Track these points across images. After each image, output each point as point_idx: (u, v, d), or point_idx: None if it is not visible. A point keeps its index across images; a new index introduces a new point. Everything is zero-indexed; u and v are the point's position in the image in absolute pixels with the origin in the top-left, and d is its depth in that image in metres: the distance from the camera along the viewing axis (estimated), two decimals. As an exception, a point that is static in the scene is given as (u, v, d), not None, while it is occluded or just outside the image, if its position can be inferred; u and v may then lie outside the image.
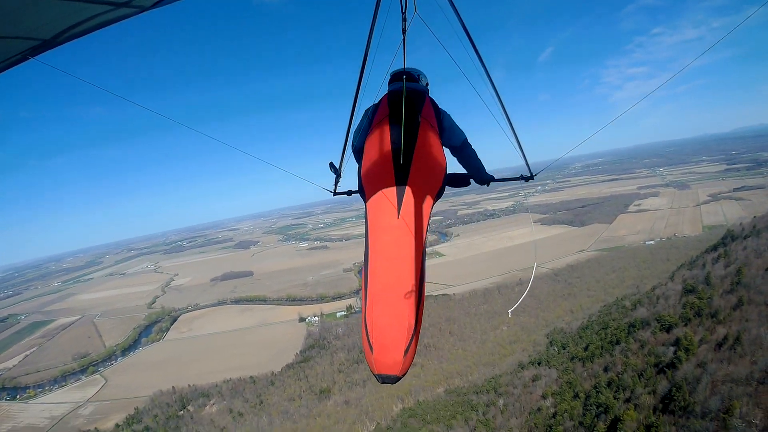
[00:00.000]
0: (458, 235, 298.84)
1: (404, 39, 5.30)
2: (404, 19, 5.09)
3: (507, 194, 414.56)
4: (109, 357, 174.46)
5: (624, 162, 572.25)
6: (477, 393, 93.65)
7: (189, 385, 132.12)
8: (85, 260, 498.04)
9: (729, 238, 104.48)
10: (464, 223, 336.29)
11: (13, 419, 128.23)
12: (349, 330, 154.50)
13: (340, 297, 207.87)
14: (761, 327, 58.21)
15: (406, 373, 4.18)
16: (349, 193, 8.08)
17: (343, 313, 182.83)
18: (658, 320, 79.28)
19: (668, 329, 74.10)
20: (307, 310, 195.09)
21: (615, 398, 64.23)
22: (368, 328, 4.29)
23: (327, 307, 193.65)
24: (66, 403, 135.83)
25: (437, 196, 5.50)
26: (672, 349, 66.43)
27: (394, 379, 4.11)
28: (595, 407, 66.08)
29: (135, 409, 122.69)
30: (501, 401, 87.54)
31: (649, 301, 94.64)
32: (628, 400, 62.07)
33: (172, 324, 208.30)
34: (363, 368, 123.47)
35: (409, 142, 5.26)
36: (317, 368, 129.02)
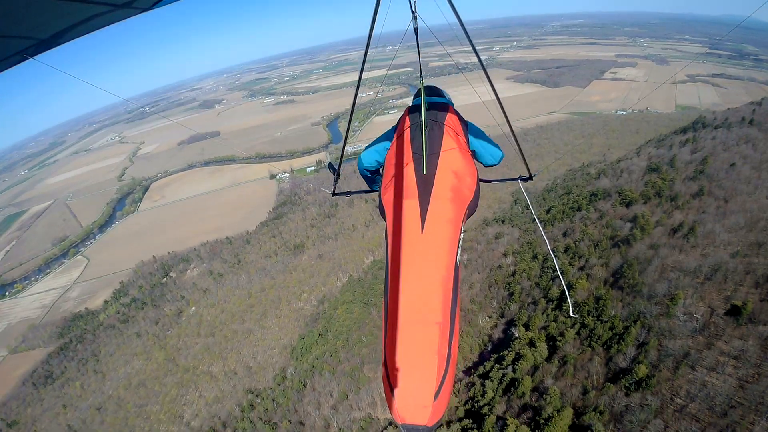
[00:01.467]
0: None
1: (417, 38, 5.44)
2: (414, 18, 5.15)
3: (480, 47, 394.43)
4: (88, 236, 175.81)
5: (605, 26, 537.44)
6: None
7: (168, 253, 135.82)
8: (47, 142, 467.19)
9: (700, 124, 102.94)
10: (435, 75, 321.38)
11: (6, 317, 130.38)
12: (319, 184, 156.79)
13: (309, 152, 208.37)
14: (716, 222, 58.50)
15: (439, 422, 3.35)
16: (348, 193, 8.23)
17: (313, 167, 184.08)
18: (619, 193, 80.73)
19: (628, 204, 75.71)
20: (277, 166, 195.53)
21: (570, 264, 67.25)
22: (388, 366, 3.52)
23: (297, 163, 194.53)
24: (54, 289, 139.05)
25: (470, 209, 4.80)
26: (629, 225, 68.48)
27: (422, 431, 3.26)
28: (551, 270, 69.63)
29: (120, 282, 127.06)
30: (465, 256, 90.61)
31: (613, 173, 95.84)
32: (582, 269, 65.21)
33: (144, 194, 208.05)
34: (335, 222, 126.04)
35: (432, 151, 4.77)
36: (290, 224, 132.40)
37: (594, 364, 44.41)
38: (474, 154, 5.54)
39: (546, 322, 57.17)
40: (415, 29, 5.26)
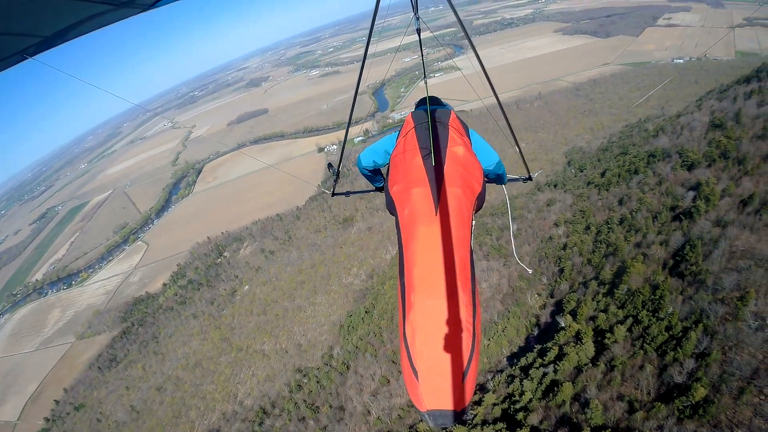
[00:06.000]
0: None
1: (420, 39, 5.55)
2: (418, 18, 5.21)
3: (526, 0, 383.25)
4: (146, 222, 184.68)
5: None
6: (492, 215, 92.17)
7: (222, 233, 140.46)
8: (105, 134, 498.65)
9: (765, 72, 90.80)
10: (480, 33, 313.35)
11: (74, 305, 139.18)
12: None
13: (356, 122, 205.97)
14: None
15: (467, 408, 3.03)
16: (347, 194, 8.95)
17: (360, 138, 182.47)
18: (680, 154, 73.25)
19: (690, 167, 68.12)
20: (324, 139, 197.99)
21: (626, 240, 61.64)
22: (410, 346, 3.24)
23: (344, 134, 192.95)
24: (116, 275, 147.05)
25: (478, 201, 4.75)
26: (691, 194, 61.00)
27: (449, 417, 2.92)
28: (604, 245, 64.38)
29: (177, 265, 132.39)
30: (514, 226, 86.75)
31: (672, 130, 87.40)
32: (638, 245, 59.21)
33: (197, 176, 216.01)
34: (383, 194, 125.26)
35: (440, 145, 4.76)
36: (339, 197, 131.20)
37: (645, 374, 38.94)
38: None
39: (595, 311, 52.15)
40: (417, 30, 5.34)
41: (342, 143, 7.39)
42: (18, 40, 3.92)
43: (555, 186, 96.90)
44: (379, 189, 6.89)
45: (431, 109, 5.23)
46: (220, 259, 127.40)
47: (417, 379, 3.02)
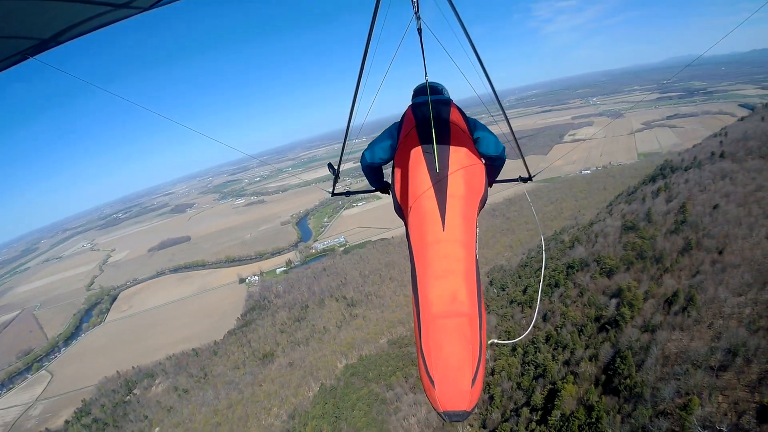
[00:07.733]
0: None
1: (421, 39, 5.32)
2: (418, 18, 5.04)
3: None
4: (53, 349, 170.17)
5: (557, 93, 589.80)
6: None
7: (133, 367, 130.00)
8: (19, 249, 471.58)
9: (668, 168, 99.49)
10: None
11: None
12: (289, 286, 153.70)
13: (279, 252, 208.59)
14: (718, 283, 49.53)
15: (475, 407, 3.64)
16: (348, 194, 8.63)
17: (282, 268, 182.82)
18: (597, 262, 74.54)
19: (609, 274, 69.23)
20: (246, 269, 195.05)
21: (554, 359, 60.20)
22: (426, 358, 3.76)
23: (266, 265, 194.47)
24: (15, 406, 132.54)
25: (482, 203, 5.10)
26: (614, 301, 60.98)
27: (462, 416, 3.54)
28: (533, 367, 62.69)
29: (82, 401, 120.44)
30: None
31: (587, 239, 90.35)
32: (567, 363, 57.70)
33: (112, 304, 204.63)
34: (305, 326, 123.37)
35: (442, 149, 4.98)
36: (259, 331, 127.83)
37: None
38: (477, 142, 5.59)
39: (530, 443, 47.53)
40: (419, 29, 5.25)
41: (342, 145, 7.10)
42: (19, 41, 4.14)
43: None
44: (380, 189, 6.82)
45: (432, 100, 5.35)
46: (129, 397, 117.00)
47: (434, 386, 3.54)
